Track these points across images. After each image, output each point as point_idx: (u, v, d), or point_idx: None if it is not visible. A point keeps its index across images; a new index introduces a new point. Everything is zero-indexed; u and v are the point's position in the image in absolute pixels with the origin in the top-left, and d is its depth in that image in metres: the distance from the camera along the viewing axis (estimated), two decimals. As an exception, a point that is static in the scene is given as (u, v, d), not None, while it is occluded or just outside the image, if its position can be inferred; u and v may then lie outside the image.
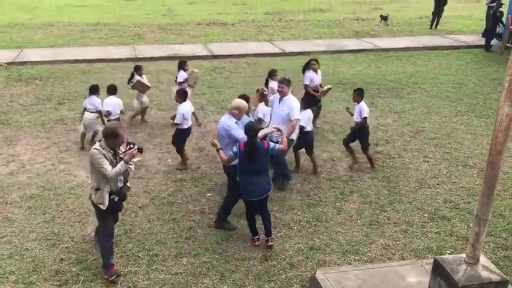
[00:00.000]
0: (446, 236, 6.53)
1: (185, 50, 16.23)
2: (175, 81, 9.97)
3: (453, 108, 11.35)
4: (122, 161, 5.31)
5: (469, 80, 13.55)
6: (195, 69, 10.36)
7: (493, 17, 17.01)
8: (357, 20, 22.36)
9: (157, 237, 6.39)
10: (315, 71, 9.60)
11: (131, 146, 5.39)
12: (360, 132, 8.12)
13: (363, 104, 8.05)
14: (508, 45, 15.53)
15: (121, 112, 9.15)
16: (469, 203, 7.33)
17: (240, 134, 6.21)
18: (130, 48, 16.28)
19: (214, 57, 15.57)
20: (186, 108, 8.08)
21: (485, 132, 9.87)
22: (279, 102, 7.59)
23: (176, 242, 6.30)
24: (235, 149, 6.01)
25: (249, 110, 7.30)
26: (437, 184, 7.89)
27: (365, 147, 8.23)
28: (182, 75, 9.81)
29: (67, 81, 12.83)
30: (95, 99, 8.84)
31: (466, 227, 6.66)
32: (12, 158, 8.55)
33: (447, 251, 6.18)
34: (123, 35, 18.41)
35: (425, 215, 7.02)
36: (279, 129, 6.62)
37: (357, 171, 8.25)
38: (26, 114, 10.54)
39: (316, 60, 9.75)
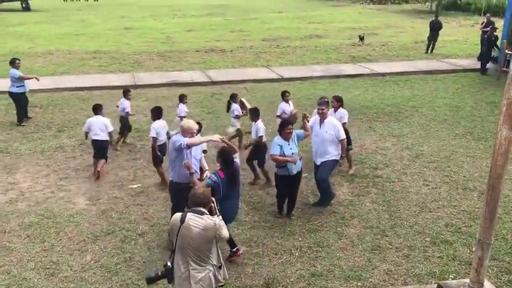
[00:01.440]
0: (449, 260, 6.47)
1: (184, 76, 16.38)
2: (177, 115, 10.20)
3: (451, 131, 11.40)
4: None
5: (466, 103, 13.66)
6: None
7: (488, 41, 17.26)
8: (353, 45, 22.66)
9: (157, 265, 6.32)
10: (287, 102, 9.96)
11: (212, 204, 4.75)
12: (257, 149, 8.53)
13: (259, 122, 8.54)
14: (504, 69, 15.70)
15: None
16: (470, 226, 7.29)
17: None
18: (129, 76, 16.43)
19: (213, 83, 15.70)
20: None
21: (484, 155, 9.89)
22: (320, 124, 7.68)
23: (176, 269, 6.23)
24: (214, 177, 6.00)
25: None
26: (438, 208, 7.86)
27: (261, 164, 8.57)
28: (182, 109, 10.12)
29: (67, 109, 12.90)
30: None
31: (468, 251, 6.60)
32: (12, 186, 8.53)
33: (450, 276, 6.12)
34: (122, 62, 18.61)
35: (427, 239, 6.97)
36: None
37: (357, 195, 8.23)
38: (25, 142, 10.57)
39: (288, 92, 10.16)
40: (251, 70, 17.53)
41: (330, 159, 7.68)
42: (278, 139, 7.09)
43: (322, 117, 7.68)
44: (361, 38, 23.53)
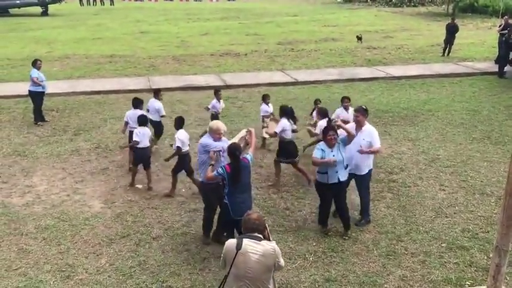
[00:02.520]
0: (466, 266, 6.38)
1: (199, 80, 16.46)
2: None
3: (468, 135, 11.25)
4: None
5: (483, 107, 13.48)
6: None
7: (506, 43, 17.03)
8: (369, 48, 22.54)
9: (172, 268, 6.35)
10: (267, 104, 10.36)
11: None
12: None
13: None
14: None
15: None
16: (487, 232, 7.18)
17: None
18: (145, 79, 16.55)
19: (228, 87, 15.74)
20: None
21: (502, 160, 9.74)
22: (356, 131, 7.19)
23: (190, 273, 6.25)
24: (220, 170, 6.12)
25: None
26: (455, 213, 7.76)
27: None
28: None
29: (83, 113, 13.04)
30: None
31: (485, 258, 6.50)
32: (28, 189, 8.65)
33: (467, 283, 6.03)
34: (138, 66, 18.77)
35: (443, 245, 6.88)
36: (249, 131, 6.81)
37: (371, 200, 8.15)
38: (42, 145, 10.70)
39: (268, 95, 10.59)
40: (266, 74, 17.53)
41: (364, 173, 7.31)
42: (322, 144, 6.84)
43: (359, 124, 7.19)
44: (359, 38, 24.01)
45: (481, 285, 5.87)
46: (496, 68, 17.36)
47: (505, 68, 17.03)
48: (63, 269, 6.32)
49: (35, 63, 12.13)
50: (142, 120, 8.66)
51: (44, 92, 12.28)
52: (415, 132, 11.45)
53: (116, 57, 20.38)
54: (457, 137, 11.16)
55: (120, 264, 6.44)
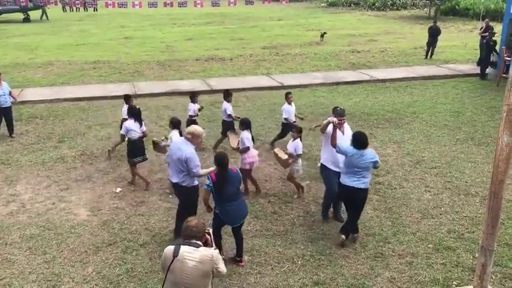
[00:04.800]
0: (452, 267, 6.44)
1: (184, 85, 16.41)
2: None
3: (452, 137, 11.39)
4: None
5: (466, 108, 13.66)
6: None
7: (487, 46, 17.29)
8: (353, 52, 22.72)
9: (159, 275, 6.28)
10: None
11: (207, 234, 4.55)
12: None
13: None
14: (504, 75, 15.70)
15: None
16: (473, 232, 7.26)
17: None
18: (129, 85, 16.45)
19: (214, 91, 15.71)
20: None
21: (486, 160, 9.88)
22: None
23: (178, 280, 6.21)
24: (207, 181, 6.14)
25: None
26: (440, 214, 7.84)
27: None
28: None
29: (67, 119, 12.91)
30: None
31: (471, 257, 6.58)
32: (13, 197, 8.52)
33: (454, 283, 6.10)
34: (122, 72, 18.65)
35: (429, 245, 6.94)
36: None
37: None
38: (26, 153, 10.56)
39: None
40: (251, 78, 17.55)
41: None
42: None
43: (342, 126, 7.22)
44: (322, 35, 25.43)
45: (467, 285, 5.93)
46: (478, 70, 17.61)
47: (487, 69, 17.28)
48: (49, 279, 6.24)
49: None
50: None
51: (5, 107, 11.34)
52: (399, 134, 11.56)
53: (100, 63, 20.23)
54: (441, 138, 11.29)
55: (107, 272, 6.37)
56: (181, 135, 8.04)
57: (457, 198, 8.36)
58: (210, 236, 4.42)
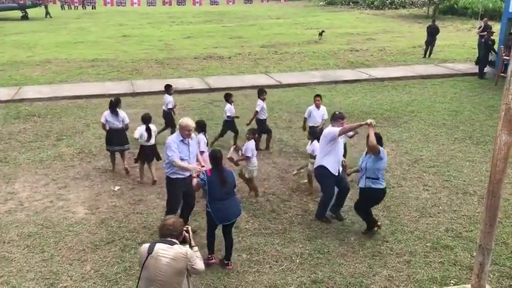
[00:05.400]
0: (450, 265, 6.46)
1: (183, 83, 16.39)
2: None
3: (450, 135, 11.41)
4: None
5: (464, 107, 13.68)
6: None
7: (485, 45, 17.31)
8: (351, 50, 22.72)
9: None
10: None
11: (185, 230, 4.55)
12: None
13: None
14: (502, 74, 15.73)
15: None
16: (471, 231, 7.28)
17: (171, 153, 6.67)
18: (128, 83, 16.43)
19: (212, 90, 15.71)
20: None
21: (484, 159, 9.89)
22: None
23: (177, 278, 6.21)
24: (202, 176, 6.22)
25: None
26: (438, 213, 7.85)
27: None
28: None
29: (65, 118, 12.89)
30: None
31: (469, 256, 6.59)
32: (11, 195, 8.51)
33: (451, 281, 6.11)
34: (120, 70, 18.62)
35: (427, 244, 6.95)
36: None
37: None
38: (24, 151, 10.55)
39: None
40: (250, 77, 17.55)
41: None
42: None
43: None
44: (320, 34, 25.64)
45: (465, 283, 5.94)
46: (476, 69, 17.63)
47: (485, 69, 17.30)
48: (47, 277, 6.23)
49: None
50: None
51: None
52: (398, 133, 11.57)
53: (99, 61, 20.20)
54: (439, 137, 11.31)
55: (105, 270, 6.37)
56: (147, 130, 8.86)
57: (455, 197, 8.38)
58: (189, 234, 4.47)
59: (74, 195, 8.55)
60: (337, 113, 7.63)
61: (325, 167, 7.38)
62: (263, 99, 10.63)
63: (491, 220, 4.62)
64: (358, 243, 6.97)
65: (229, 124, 10.69)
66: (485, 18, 20.66)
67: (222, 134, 10.76)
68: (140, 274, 4.26)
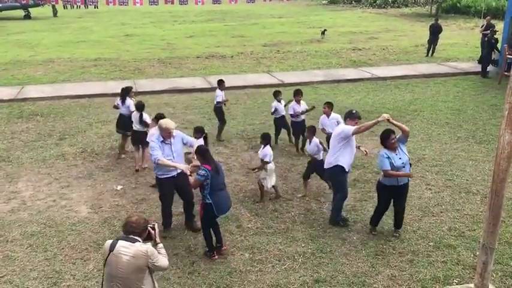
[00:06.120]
0: (453, 265, 6.44)
1: (185, 83, 16.40)
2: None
3: (453, 134, 11.38)
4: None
5: (467, 106, 13.64)
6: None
7: (488, 44, 17.26)
8: (354, 49, 22.68)
9: (160, 272, 6.30)
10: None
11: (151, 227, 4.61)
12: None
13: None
14: (506, 73, 15.69)
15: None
16: (474, 230, 7.26)
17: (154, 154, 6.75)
18: (130, 83, 16.40)
19: (214, 89, 15.64)
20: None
21: (487, 158, 9.87)
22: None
23: (179, 277, 6.22)
24: (202, 171, 6.19)
25: None
26: (441, 212, 7.83)
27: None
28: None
29: (68, 117, 12.91)
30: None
31: (472, 255, 6.57)
32: (14, 195, 8.53)
33: (454, 281, 6.09)
34: (123, 69, 18.64)
35: (430, 243, 6.94)
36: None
37: (359, 200, 8.21)
38: (27, 150, 10.57)
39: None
40: (252, 76, 17.54)
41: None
42: (385, 152, 6.72)
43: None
44: (322, 33, 25.61)
45: (468, 283, 5.93)
46: (479, 68, 17.57)
47: (488, 67, 17.25)
48: (50, 276, 6.24)
49: None
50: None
51: None
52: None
53: (101, 61, 20.23)
54: (442, 136, 11.28)
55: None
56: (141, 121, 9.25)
57: (457, 196, 8.36)
58: (155, 231, 4.55)
59: (76, 194, 8.56)
60: (353, 111, 7.50)
61: (341, 165, 7.14)
62: (278, 100, 10.62)
63: (495, 219, 4.61)
64: (361, 243, 6.96)
65: (217, 110, 11.08)
66: (489, 17, 20.60)
67: (221, 122, 11.17)
68: (103, 270, 4.37)
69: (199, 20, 36.07)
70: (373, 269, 6.36)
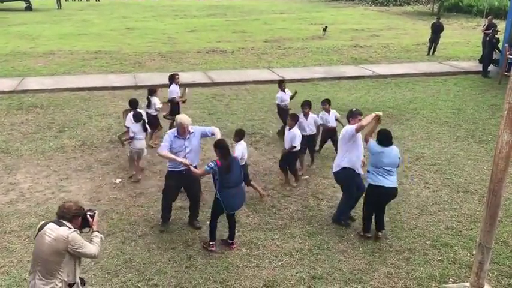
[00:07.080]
0: (449, 263, 6.46)
1: (185, 77, 16.36)
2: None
3: (452, 134, 11.38)
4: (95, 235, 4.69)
5: (467, 105, 13.64)
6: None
7: (490, 43, 17.24)
8: (355, 47, 22.65)
9: (157, 266, 6.33)
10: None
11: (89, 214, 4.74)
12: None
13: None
14: (506, 73, 15.68)
15: None
16: (471, 229, 7.28)
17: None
18: (130, 76, 16.43)
19: (215, 84, 15.70)
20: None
21: (485, 158, 9.88)
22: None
23: (176, 271, 6.23)
24: (211, 164, 6.28)
25: None
26: (439, 211, 7.85)
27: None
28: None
29: (68, 109, 12.90)
30: None
31: (469, 254, 6.59)
32: (12, 186, 8.53)
33: (450, 279, 6.11)
34: (123, 63, 18.62)
35: (427, 242, 6.96)
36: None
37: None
38: (26, 142, 10.57)
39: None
40: (252, 71, 17.52)
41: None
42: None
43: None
44: (324, 29, 25.73)
45: (464, 281, 5.95)
46: (480, 68, 17.57)
47: (489, 67, 17.24)
48: (48, 268, 6.25)
49: None
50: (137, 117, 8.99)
51: None
52: (400, 130, 11.55)
53: (102, 54, 20.19)
54: (441, 135, 11.29)
55: (105, 262, 6.39)
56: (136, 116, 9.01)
57: (455, 196, 8.37)
58: (93, 219, 4.69)
59: (75, 187, 8.57)
60: (354, 110, 7.51)
61: (348, 167, 7.14)
62: (281, 89, 10.84)
63: (492, 219, 4.62)
64: (358, 240, 6.97)
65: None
66: (490, 16, 20.55)
67: None
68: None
69: (201, 14, 36.00)
70: (370, 266, 6.38)
